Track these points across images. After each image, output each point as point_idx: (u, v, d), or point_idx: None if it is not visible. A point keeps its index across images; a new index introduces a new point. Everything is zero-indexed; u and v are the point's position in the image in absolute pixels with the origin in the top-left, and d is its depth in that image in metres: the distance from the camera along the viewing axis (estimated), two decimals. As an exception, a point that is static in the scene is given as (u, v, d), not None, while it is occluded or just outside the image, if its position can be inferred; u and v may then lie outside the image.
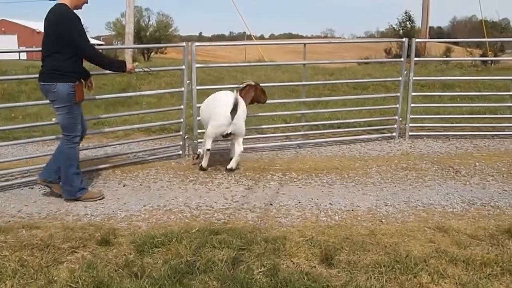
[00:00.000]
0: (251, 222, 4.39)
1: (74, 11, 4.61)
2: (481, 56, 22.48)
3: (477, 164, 6.34)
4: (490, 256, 3.66)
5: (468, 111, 9.09)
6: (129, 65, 5.11)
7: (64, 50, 4.53)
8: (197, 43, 6.50)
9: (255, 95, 6.29)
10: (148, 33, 38.62)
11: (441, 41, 24.87)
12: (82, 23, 4.59)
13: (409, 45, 7.46)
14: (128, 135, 7.81)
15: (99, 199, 4.94)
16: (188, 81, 6.41)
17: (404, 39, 7.56)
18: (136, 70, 5.35)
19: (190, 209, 4.71)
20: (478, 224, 4.38)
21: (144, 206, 4.79)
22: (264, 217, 4.52)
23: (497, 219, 4.49)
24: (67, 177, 4.83)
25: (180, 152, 6.65)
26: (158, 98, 12.08)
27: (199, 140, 6.61)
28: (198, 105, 6.57)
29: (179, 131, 6.79)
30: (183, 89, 6.40)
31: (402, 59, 7.54)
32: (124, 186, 5.44)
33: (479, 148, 7.20)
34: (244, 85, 6.29)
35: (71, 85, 4.60)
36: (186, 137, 6.64)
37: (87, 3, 4.77)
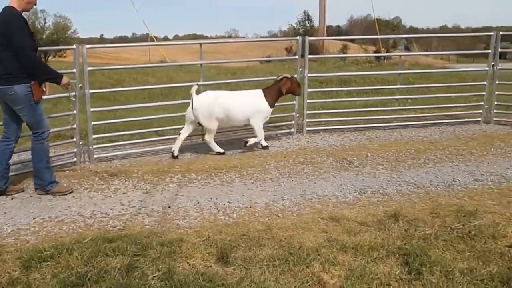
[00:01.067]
0: (148, 227, 4.32)
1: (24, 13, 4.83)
2: (375, 52, 23.81)
3: (369, 154, 6.67)
4: (377, 240, 3.87)
5: (362, 105, 9.57)
6: (65, 79, 5.16)
7: (14, 52, 4.66)
8: (87, 45, 6.28)
9: (291, 87, 7.13)
10: (44, 36, 36.64)
11: (334, 38, 25.96)
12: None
13: (303, 44, 7.69)
14: (20, 143, 7.35)
15: (69, 193, 5.20)
16: (80, 85, 6.17)
17: (298, 38, 7.78)
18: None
19: (84, 218, 4.54)
20: (368, 211, 4.61)
21: (34, 218, 4.54)
22: (162, 221, 4.46)
23: (385, 205, 4.74)
24: (37, 171, 5.14)
25: (75, 159, 6.39)
26: (53, 103, 11.50)
27: (95, 146, 6.40)
28: (92, 109, 6.35)
29: (73, 137, 6.52)
30: (73, 93, 6.13)
31: (297, 56, 7.75)
32: (12, 198, 5.13)
33: (371, 140, 7.58)
34: (281, 78, 7.16)
35: (27, 86, 4.77)
36: (80, 143, 6.39)
37: (35, 4, 4.88)
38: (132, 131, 7.52)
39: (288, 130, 8.05)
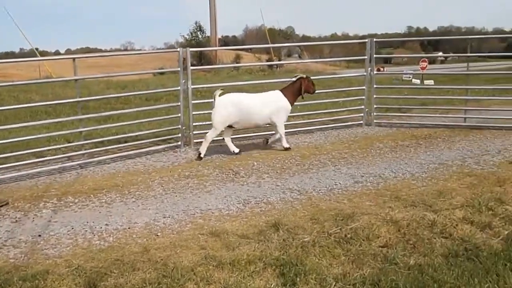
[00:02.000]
0: (12, 261, 3.92)
1: None
2: (268, 61, 24.28)
3: (255, 163, 6.65)
4: (255, 253, 3.78)
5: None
6: None
7: None
8: None
9: (307, 86, 7.50)
10: None
11: (222, 48, 26.10)
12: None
13: (186, 55, 7.55)
14: None
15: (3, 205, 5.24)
16: None
17: (179, 49, 7.62)
18: None
19: None
20: (250, 222, 4.53)
21: None
22: (29, 252, 4.08)
23: (267, 215, 4.69)
24: None
25: None
26: None
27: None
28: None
29: None
30: None
31: (179, 68, 7.59)
32: None
33: (258, 148, 7.57)
34: (297, 78, 7.56)
35: None
36: None
37: None
38: (6, 154, 6.91)
39: (175, 144, 7.84)
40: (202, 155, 7.09)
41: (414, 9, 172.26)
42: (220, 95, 7.08)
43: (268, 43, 24.16)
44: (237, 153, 7.22)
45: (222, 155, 7.22)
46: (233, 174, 6.22)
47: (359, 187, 5.49)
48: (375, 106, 8.90)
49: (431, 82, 23.97)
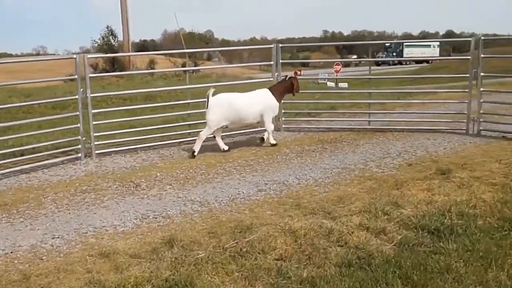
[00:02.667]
0: None
1: None
2: (183, 65, 23.90)
3: (159, 174, 6.39)
4: (144, 274, 3.56)
5: (161, 121, 9.28)
6: None
7: None
8: None
9: (297, 86, 7.99)
10: None
11: (131, 54, 25.41)
12: None
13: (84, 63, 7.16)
14: None
15: None
16: None
17: (75, 56, 7.19)
18: None
19: None
20: (145, 239, 4.29)
21: None
22: None
23: (164, 230, 4.47)
24: None
25: None
26: None
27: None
28: None
29: None
30: None
31: (76, 76, 7.17)
32: None
33: (164, 158, 7.32)
34: (288, 78, 8.00)
35: None
36: None
37: None
38: None
39: (75, 156, 7.39)
40: (196, 154, 7.29)
41: (330, 14, 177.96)
42: (213, 95, 7.33)
43: (184, 48, 23.79)
44: (226, 150, 7.48)
45: (124, 167, 6.88)
46: (133, 187, 5.93)
47: (262, 195, 5.39)
48: (283, 111, 8.89)
49: (346, 85, 24.73)
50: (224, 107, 7.30)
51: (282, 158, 6.96)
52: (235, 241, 4.07)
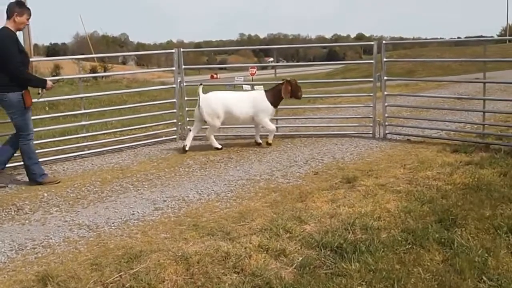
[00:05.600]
0: None
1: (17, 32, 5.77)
2: (91, 70, 22.78)
3: (45, 195, 5.75)
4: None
5: (61, 132, 8.55)
6: (49, 83, 6.15)
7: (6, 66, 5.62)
8: None
9: (291, 90, 7.61)
10: None
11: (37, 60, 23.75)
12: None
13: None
14: None
15: (56, 183, 6.18)
16: None
17: None
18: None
19: None
20: (16, 277, 3.71)
21: None
22: None
23: (41, 263, 3.91)
24: (29, 166, 6.18)
25: None
26: None
27: None
28: None
29: None
30: None
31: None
32: None
33: (55, 175, 6.62)
34: (282, 82, 7.63)
35: (19, 94, 5.80)
36: None
37: (28, 24, 6.16)
38: None
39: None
40: (219, 146, 7.61)
41: (246, 17, 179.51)
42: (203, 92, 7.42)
43: (91, 52, 22.67)
44: (185, 151, 7.48)
45: (8, 188, 6.14)
46: (15, 211, 5.26)
47: (158, 215, 4.93)
48: (188, 119, 8.46)
49: (261, 87, 24.64)
50: (215, 105, 7.39)
51: (185, 171, 6.52)
52: (119, 274, 3.59)
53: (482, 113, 7.64)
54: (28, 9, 5.89)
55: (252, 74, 32.49)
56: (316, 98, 12.30)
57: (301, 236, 4.12)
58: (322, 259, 3.72)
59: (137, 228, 4.59)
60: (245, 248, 3.94)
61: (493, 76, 17.22)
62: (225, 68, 60.38)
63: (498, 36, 73.24)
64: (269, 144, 7.69)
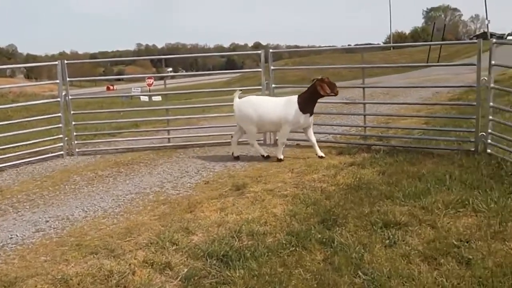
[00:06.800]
0: None
1: None
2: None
3: None
4: None
5: None
6: None
7: None
8: None
9: (327, 89, 6.75)
10: None
11: None
12: None
13: None
14: None
15: None
16: None
17: None
18: None
19: None
20: None
21: None
22: None
23: None
24: None
25: None
26: None
27: None
28: None
29: None
30: None
31: None
32: None
33: None
34: (313, 80, 6.81)
35: None
36: None
37: None
38: None
39: None
40: (264, 154, 7.16)
41: (142, 27, 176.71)
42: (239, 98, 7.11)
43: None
44: (236, 157, 7.24)
45: None
46: None
47: (39, 237, 4.66)
48: (75, 133, 8.12)
49: (159, 98, 24.20)
50: (247, 110, 6.96)
51: (71, 188, 6.24)
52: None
53: (363, 116, 8.05)
54: None
55: (149, 85, 32.05)
56: (211, 107, 12.32)
57: (187, 248, 4.08)
58: (208, 268, 3.71)
59: (14, 253, 4.31)
60: (130, 264, 3.84)
61: (379, 81, 18.47)
62: (122, 79, 58.74)
63: (384, 43, 78.61)
64: (280, 160, 6.94)
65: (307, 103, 6.85)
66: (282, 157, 6.91)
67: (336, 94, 7.02)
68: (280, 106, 6.89)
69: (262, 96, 7.74)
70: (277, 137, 7.49)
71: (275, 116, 6.87)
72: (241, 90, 7.33)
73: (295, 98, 6.90)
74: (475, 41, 6.82)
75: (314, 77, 6.92)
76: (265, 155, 7.09)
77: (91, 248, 4.23)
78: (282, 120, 6.84)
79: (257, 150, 7.19)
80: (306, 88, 6.96)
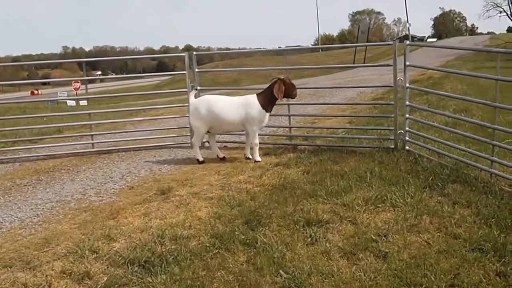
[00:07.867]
0: None
1: None
2: None
3: None
4: None
5: None
6: None
7: None
8: None
9: (285, 90, 6.67)
10: None
11: None
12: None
13: None
14: None
15: None
16: None
17: None
18: None
19: None
20: None
21: None
22: None
23: None
24: None
25: None
26: None
27: None
28: None
29: None
30: None
31: None
32: None
33: None
34: (274, 80, 6.70)
35: None
36: None
37: None
38: None
39: None
40: (200, 159, 7.00)
41: (68, 30, 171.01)
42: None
43: None
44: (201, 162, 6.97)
45: None
46: None
47: None
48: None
49: (85, 102, 23.45)
50: (201, 110, 6.79)
51: (-15, 199, 5.92)
52: None
53: (288, 117, 8.17)
54: None
55: (76, 89, 31.03)
56: (139, 111, 12.11)
57: (108, 255, 3.98)
58: (129, 276, 3.63)
59: None
60: (46, 276, 3.69)
61: (307, 82, 18.81)
62: (48, 83, 56.53)
63: (312, 45, 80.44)
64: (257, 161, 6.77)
65: (270, 102, 6.79)
66: (260, 159, 6.79)
67: (294, 97, 6.96)
68: (241, 106, 6.75)
69: (218, 95, 7.51)
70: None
71: (236, 116, 6.73)
72: (197, 89, 7.42)
73: (254, 97, 6.79)
74: (391, 43, 7.10)
75: (275, 76, 6.85)
76: (200, 160, 6.95)
77: (5, 261, 4.03)
78: (246, 121, 6.74)
79: (195, 152, 7.03)
80: (266, 87, 6.85)
